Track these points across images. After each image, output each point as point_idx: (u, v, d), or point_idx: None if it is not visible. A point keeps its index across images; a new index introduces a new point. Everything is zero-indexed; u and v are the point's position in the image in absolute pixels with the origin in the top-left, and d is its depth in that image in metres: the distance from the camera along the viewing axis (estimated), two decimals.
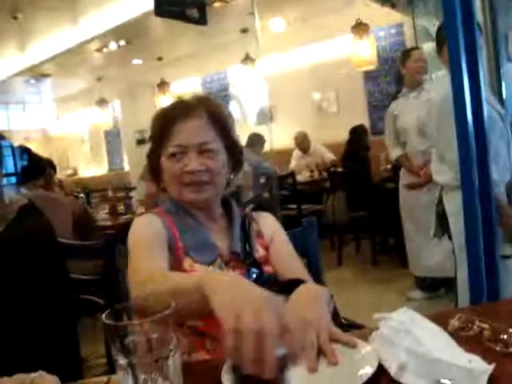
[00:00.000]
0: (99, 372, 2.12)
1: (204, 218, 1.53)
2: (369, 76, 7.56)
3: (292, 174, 6.04)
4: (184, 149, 1.45)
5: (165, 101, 8.71)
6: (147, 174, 4.39)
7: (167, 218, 1.49)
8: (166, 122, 1.49)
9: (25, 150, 2.06)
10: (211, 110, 1.50)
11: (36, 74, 8.89)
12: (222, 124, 1.51)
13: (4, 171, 1.94)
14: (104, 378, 1.06)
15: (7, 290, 1.77)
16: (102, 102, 9.94)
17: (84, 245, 2.46)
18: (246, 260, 1.48)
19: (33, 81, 9.36)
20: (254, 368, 0.74)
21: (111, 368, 1.96)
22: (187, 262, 1.42)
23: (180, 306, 0.92)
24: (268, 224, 1.62)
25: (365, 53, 6.42)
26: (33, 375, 0.73)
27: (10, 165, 1.98)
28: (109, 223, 4.75)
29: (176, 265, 1.39)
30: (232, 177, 1.57)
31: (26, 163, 2.00)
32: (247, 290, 0.88)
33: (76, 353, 1.98)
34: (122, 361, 0.80)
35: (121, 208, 5.28)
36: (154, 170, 1.57)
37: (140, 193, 5.83)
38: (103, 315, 0.82)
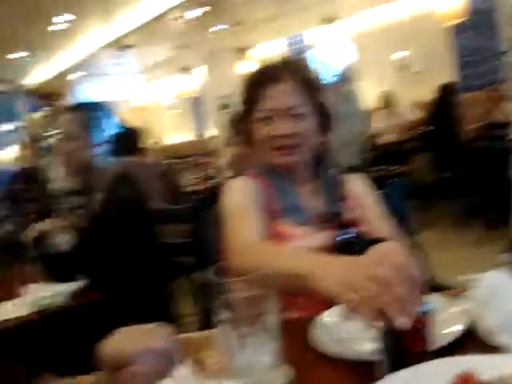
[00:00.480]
0: (191, 330, 2.22)
1: (295, 180, 1.55)
2: (458, 30, 7.19)
3: (377, 135, 5.94)
4: (274, 113, 1.47)
5: (247, 65, 8.73)
6: (232, 140, 4.48)
7: (260, 181, 1.52)
8: (256, 86, 1.51)
9: (116, 119, 2.15)
10: (300, 73, 1.51)
11: (120, 45, 9.13)
12: (311, 87, 1.52)
13: (98, 140, 2.05)
14: (206, 332, 1.11)
15: (105, 255, 1.89)
16: (185, 69, 10.10)
17: (175, 209, 2.55)
18: (337, 221, 1.50)
19: (117, 52, 9.61)
20: (404, 321, 0.75)
21: (202, 326, 2.05)
22: (280, 224, 1.45)
23: (278, 286, 0.95)
24: (359, 185, 1.62)
25: (452, 5, 6.13)
26: (150, 326, 0.79)
27: (103, 134, 2.07)
28: (197, 188, 4.88)
29: (269, 227, 1.42)
30: (322, 139, 1.58)
31: (117, 132, 2.09)
32: (351, 263, 0.88)
33: (168, 311, 2.09)
34: (223, 316, 0.85)
35: (208, 173, 5.41)
36: (244, 134, 1.59)
37: (225, 158, 5.93)
38: (207, 273, 0.87)
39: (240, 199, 1.46)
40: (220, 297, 0.85)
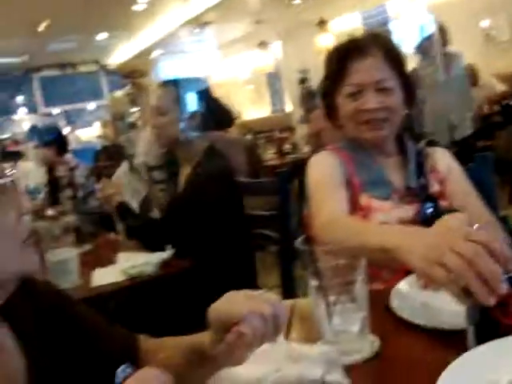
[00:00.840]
0: None
1: (379, 154, 1.55)
2: None
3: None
4: (360, 87, 1.46)
5: (325, 39, 8.62)
6: (307, 116, 4.46)
7: (343, 155, 1.53)
8: (341, 61, 1.51)
9: (206, 94, 2.21)
10: (386, 47, 1.50)
11: (199, 22, 9.22)
12: (397, 61, 1.50)
13: (187, 115, 2.11)
14: (291, 301, 1.14)
15: (194, 226, 1.97)
16: (262, 44, 10.09)
17: (260, 182, 2.59)
18: (421, 194, 1.49)
19: (196, 29, 9.71)
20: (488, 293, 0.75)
21: (285, 297, 2.09)
22: (363, 198, 1.46)
23: (364, 258, 0.98)
24: (443, 159, 1.59)
25: None
26: (259, 291, 0.81)
27: (192, 109, 2.14)
28: (276, 162, 4.93)
29: (352, 200, 1.43)
30: (408, 112, 1.56)
31: (206, 106, 2.15)
32: (437, 237, 0.88)
33: (253, 282, 2.15)
34: (313, 283, 0.88)
35: (287, 148, 5.44)
36: (329, 108, 1.59)
37: (300, 134, 5.95)
38: (297, 241, 0.90)
39: (325, 173, 1.48)
40: (308, 266, 0.88)
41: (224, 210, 1.98)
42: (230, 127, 4.53)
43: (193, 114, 2.09)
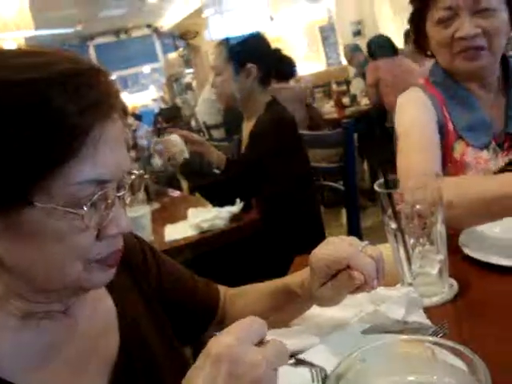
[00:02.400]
0: None
1: (478, 89, 1.33)
2: None
3: None
4: (454, 11, 1.24)
5: None
6: (360, 70, 4.30)
7: (435, 92, 1.34)
8: None
9: (262, 46, 2.20)
10: None
11: None
12: None
13: (243, 71, 2.10)
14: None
15: (260, 178, 1.99)
16: None
17: (321, 135, 2.58)
18: None
19: None
20: None
21: None
22: (458, 147, 1.30)
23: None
24: None
25: None
26: (364, 243, 0.81)
27: (247, 63, 2.13)
28: (335, 116, 4.87)
29: (445, 152, 1.28)
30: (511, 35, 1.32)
31: (264, 59, 2.15)
32: None
33: (321, 234, 2.16)
34: (392, 226, 0.88)
35: (345, 100, 5.36)
36: (417, 37, 1.38)
37: (355, 87, 5.84)
38: (375, 184, 0.90)
39: (416, 118, 1.30)
40: (387, 209, 0.88)
41: (288, 160, 1.99)
42: (293, 77, 4.47)
43: (250, 70, 2.08)
